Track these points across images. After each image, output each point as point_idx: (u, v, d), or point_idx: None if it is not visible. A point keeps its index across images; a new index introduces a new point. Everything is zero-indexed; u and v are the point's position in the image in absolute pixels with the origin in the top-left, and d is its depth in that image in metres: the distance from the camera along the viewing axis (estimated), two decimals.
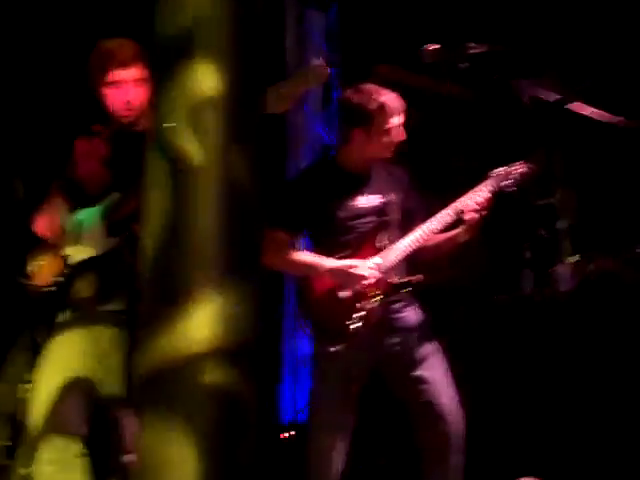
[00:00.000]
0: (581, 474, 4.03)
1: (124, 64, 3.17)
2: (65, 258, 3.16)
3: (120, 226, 3.11)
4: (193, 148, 2.22)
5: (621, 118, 2.99)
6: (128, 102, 3.20)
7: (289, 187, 3.71)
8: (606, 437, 4.10)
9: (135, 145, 3.07)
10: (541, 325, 4.58)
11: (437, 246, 3.57)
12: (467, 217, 3.45)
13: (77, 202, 3.22)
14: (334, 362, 3.39)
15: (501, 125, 5.79)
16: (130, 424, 2.83)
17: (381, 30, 5.72)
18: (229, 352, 2.16)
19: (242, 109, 2.32)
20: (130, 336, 3.08)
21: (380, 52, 5.80)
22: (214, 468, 2.11)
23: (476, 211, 3.44)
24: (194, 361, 2.13)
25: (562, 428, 4.31)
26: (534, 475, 3.92)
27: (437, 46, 3.04)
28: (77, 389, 3.06)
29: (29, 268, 3.19)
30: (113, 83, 3.20)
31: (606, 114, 2.99)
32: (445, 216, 3.48)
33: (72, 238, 3.18)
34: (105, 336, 3.13)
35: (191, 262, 2.20)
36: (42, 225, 3.21)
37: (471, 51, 3.00)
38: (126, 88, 3.19)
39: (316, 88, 2.88)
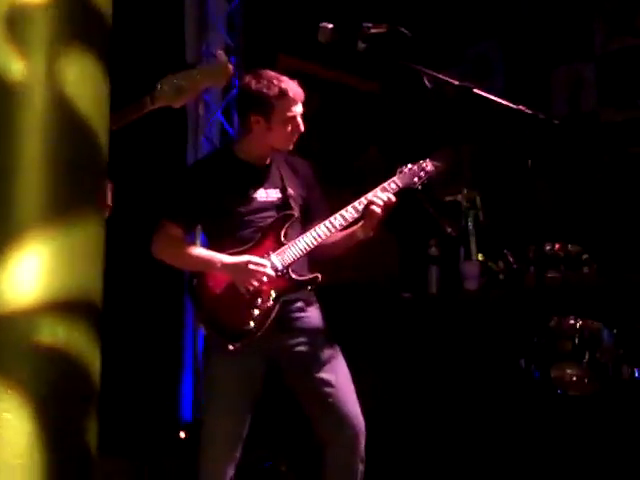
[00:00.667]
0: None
1: None
2: None
3: None
4: (11, 62, 1.80)
5: (521, 106, 2.88)
6: None
7: (184, 178, 3.47)
8: (509, 439, 4.05)
9: None
10: (447, 324, 4.50)
11: (335, 244, 3.41)
12: (368, 214, 3.30)
13: None
14: (228, 363, 3.19)
15: (408, 117, 5.70)
16: None
17: (284, 17, 5.55)
18: (65, 307, 1.79)
19: (81, 12, 1.88)
20: None
21: (283, 40, 5.66)
22: (51, 434, 1.78)
23: (378, 208, 3.29)
24: (20, 318, 1.76)
25: (465, 429, 4.24)
26: None
27: (332, 26, 2.87)
28: None
29: None
30: None
31: (510, 103, 2.88)
32: (348, 213, 3.33)
33: None
34: None
35: (13, 200, 1.78)
36: None
37: (370, 31, 2.84)
38: None
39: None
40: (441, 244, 4.74)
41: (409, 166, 3.48)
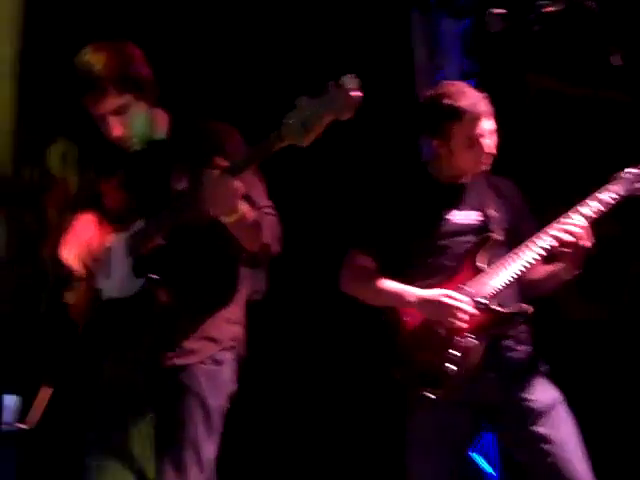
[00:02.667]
0: None
1: (97, 97, 2.61)
2: (98, 292, 2.67)
3: (146, 263, 2.56)
4: None
5: None
6: (118, 137, 2.69)
7: (372, 201, 3.08)
8: None
9: (153, 164, 2.72)
10: None
11: (538, 281, 2.94)
12: (567, 251, 2.79)
13: (103, 222, 2.75)
14: (428, 410, 2.80)
15: None
16: None
17: (527, 32, 5.01)
18: None
19: None
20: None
21: (529, 57, 5.14)
22: None
23: (574, 243, 2.77)
24: None
25: None
26: None
27: (503, 11, 2.41)
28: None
29: (65, 298, 2.75)
30: (97, 116, 2.67)
31: None
32: (549, 238, 2.82)
33: (103, 268, 2.68)
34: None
35: None
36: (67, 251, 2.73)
37: (545, 10, 2.34)
38: (110, 123, 2.65)
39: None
40: None
41: (630, 170, 2.90)
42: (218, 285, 2.69)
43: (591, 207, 2.81)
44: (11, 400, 3.34)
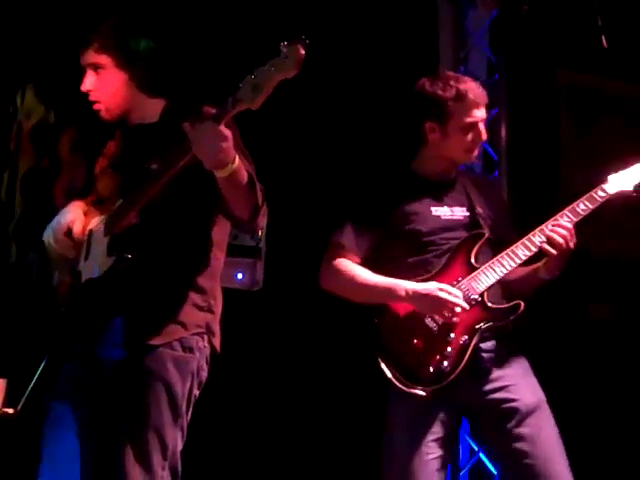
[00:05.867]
0: None
1: (82, 48, 2.68)
2: (78, 275, 2.64)
3: (120, 242, 2.52)
4: None
5: None
6: (87, 92, 2.69)
7: (355, 197, 3.03)
8: None
9: (140, 148, 2.65)
10: None
11: (519, 280, 2.88)
12: (549, 251, 2.75)
13: (91, 207, 2.73)
14: (410, 408, 2.73)
15: None
16: None
17: (556, 25, 4.91)
18: None
19: None
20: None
21: (558, 51, 5.05)
22: None
23: (558, 245, 2.73)
24: None
25: None
26: None
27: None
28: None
29: (54, 282, 2.72)
30: (82, 69, 2.71)
31: None
32: (533, 241, 2.78)
33: (85, 252, 2.66)
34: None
35: None
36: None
37: None
38: (85, 75, 2.68)
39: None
40: None
41: (621, 173, 2.85)
42: (188, 270, 2.60)
43: (581, 209, 2.78)
44: None
